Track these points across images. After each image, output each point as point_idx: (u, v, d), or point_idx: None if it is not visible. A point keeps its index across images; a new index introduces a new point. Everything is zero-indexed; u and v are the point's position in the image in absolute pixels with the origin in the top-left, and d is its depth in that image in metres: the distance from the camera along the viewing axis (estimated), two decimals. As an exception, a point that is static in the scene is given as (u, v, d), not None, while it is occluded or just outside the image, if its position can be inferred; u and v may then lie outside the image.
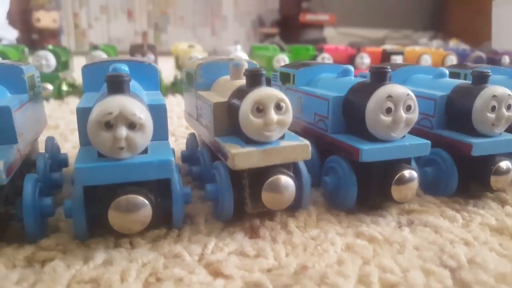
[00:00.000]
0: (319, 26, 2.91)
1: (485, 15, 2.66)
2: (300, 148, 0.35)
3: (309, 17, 2.79)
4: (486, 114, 0.40)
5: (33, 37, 2.19)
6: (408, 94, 0.36)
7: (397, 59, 1.21)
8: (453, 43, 2.75)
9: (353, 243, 0.33)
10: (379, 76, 0.38)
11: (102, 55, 1.02)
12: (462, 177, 0.42)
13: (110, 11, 2.62)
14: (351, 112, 0.40)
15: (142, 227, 0.31)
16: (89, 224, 0.32)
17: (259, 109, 0.32)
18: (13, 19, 2.08)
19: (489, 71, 0.42)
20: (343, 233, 0.35)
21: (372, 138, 0.37)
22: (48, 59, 1.01)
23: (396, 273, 0.29)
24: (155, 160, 0.31)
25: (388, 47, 1.44)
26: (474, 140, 0.40)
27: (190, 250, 0.32)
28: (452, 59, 1.30)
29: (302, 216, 0.38)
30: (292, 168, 0.36)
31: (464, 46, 2.49)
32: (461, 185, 0.42)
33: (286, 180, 0.34)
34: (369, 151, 0.36)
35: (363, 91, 0.38)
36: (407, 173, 0.37)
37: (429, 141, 0.38)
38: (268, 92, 0.33)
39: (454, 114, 0.44)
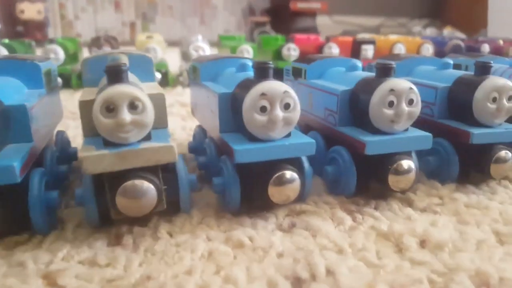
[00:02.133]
0: (312, 14, 2.86)
1: (482, 2, 2.59)
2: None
3: (300, 5, 2.74)
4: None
5: (17, 30, 2.17)
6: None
7: (368, 49, 1.17)
8: (447, 31, 2.68)
9: (216, 250, 0.31)
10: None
11: (57, 49, 1.00)
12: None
13: (97, 1, 2.59)
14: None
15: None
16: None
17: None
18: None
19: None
20: (214, 237, 0.33)
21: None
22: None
23: (239, 285, 0.27)
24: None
25: (359, 36, 1.40)
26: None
27: (38, 258, 0.30)
28: (428, 48, 1.26)
29: (180, 220, 0.36)
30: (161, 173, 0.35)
31: (459, 34, 2.43)
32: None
33: (142, 185, 0.31)
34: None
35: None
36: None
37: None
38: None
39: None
